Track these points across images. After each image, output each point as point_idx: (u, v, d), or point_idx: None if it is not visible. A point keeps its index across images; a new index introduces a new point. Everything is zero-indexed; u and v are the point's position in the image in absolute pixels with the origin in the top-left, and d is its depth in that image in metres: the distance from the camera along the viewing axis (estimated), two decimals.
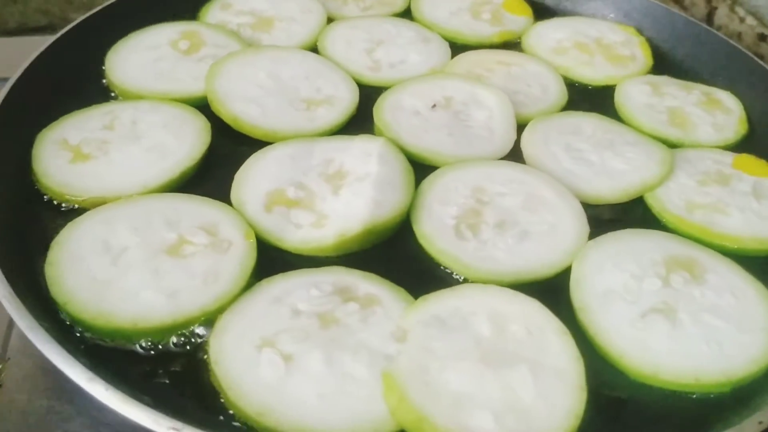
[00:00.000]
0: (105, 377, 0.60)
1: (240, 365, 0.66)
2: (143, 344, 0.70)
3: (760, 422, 0.62)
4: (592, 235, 0.84)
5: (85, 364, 0.61)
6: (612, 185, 0.91)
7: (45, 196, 0.84)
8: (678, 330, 0.73)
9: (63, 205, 0.83)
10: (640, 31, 1.25)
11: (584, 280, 0.78)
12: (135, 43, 1.08)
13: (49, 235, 0.77)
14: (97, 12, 1.09)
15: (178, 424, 0.56)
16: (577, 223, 0.85)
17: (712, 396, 0.71)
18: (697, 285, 0.78)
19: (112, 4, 1.11)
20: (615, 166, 0.94)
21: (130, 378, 0.66)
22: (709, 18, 1.58)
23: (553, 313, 0.72)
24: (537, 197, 0.87)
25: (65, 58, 1.02)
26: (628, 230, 0.85)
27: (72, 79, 1.02)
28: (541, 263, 0.80)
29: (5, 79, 0.94)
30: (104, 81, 1.03)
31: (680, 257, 0.82)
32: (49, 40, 1.01)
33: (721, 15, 1.60)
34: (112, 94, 1.02)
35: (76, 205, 0.83)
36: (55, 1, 1.64)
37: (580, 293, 0.77)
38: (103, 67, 1.04)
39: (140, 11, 1.14)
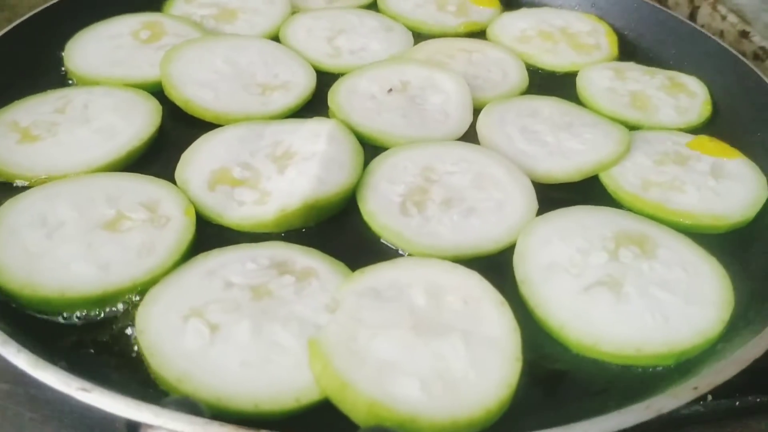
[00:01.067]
0: (22, 342, 0.59)
1: (165, 334, 0.64)
2: (74, 316, 0.68)
3: (695, 388, 0.60)
4: (543, 212, 0.82)
5: (3, 330, 0.60)
6: (565, 164, 0.90)
7: None
8: (622, 303, 0.71)
9: (14, 184, 0.83)
10: (607, 20, 1.24)
11: (528, 253, 0.76)
12: (96, 32, 1.08)
13: None
14: (60, 1, 1.10)
15: (88, 385, 0.55)
16: (525, 200, 0.83)
17: (656, 370, 0.69)
18: (647, 259, 0.77)
19: None
20: (570, 146, 0.93)
21: (53, 347, 0.65)
22: (692, 17, 1.57)
23: (496, 288, 0.70)
24: (486, 175, 0.86)
25: (25, 45, 1.03)
26: (579, 206, 0.83)
27: (31, 67, 1.02)
28: (485, 239, 0.79)
29: None
30: (63, 69, 1.03)
31: (632, 233, 0.80)
32: (8, 26, 1.02)
33: (704, 14, 1.59)
34: (71, 82, 1.02)
35: (25, 183, 0.82)
36: None
37: (523, 266, 0.75)
38: (63, 55, 1.03)
39: (106, 2, 1.14)
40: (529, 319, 0.71)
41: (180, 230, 0.75)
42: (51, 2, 1.09)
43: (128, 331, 0.67)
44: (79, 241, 0.73)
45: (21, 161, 0.84)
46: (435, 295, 0.69)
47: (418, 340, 0.64)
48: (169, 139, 0.92)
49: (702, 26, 1.47)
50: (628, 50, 1.20)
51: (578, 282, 0.73)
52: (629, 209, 0.86)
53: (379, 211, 0.80)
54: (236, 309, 0.67)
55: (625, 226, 0.81)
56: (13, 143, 0.86)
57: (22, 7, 1.65)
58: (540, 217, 0.81)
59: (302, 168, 0.83)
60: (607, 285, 0.73)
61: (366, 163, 0.87)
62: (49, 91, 0.96)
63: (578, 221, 0.81)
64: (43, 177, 0.82)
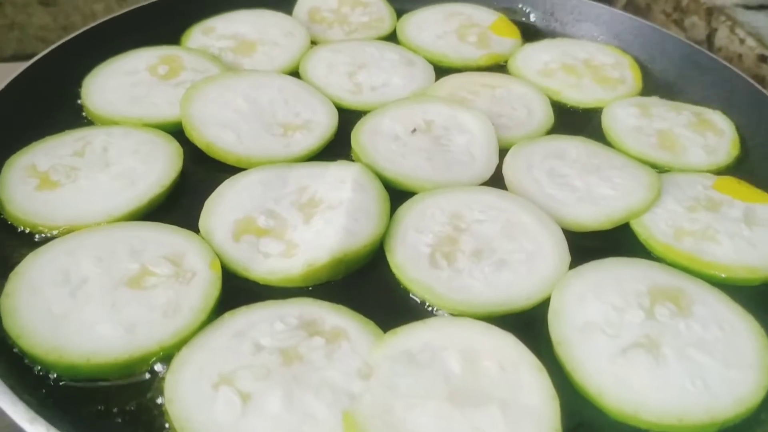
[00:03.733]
0: (50, 417, 0.57)
1: (194, 404, 0.62)
2: (100, 382, 0.67)
3: None
4: (574, 264, 0.80)
5: (29, 403, 0.58)
6: (595, 211, 0.88)
7: (11, 224, 0.82)
8: (661, 366, 0.70)
9: (34, 234, 0.81)
10: (630, 52, 1.22)
11: (563, 312, 0.74)
12: (113, 68, 1.06)
13: (12, 264, 0.75)
14: (76, 36, 1.08)
15: None
16: (557, 251, 0.81)
17: None
18: (683, 318, 0.75)
19: (92, 28, 1.10)
20: (600, 191, 0.91)
21: (81, 417, 0.63)
22: (709, 40, 1.55)
23: (530, 348, 0.69)
24: (516, 224, 0.84)
25: (41, 82, 1.01)
26: (611, 259, 0.81)
27: (47, 104, 1.01)
28: (518, 294, 0.77)
29: None
30: (80, 104, 1.01)
31: (666, 287, 0.78)
32: (25, 63, 1.00)
33: (721, 37, 1.57)
34: (88, 119, 1.00)
35: (44, 234, 0.80)
36: (53, 27, 1.64)
37: (559, 326, 0.73)
38: (80, 91, 1.02)
39: (121, 35, 1.13)
40: (565, 382, 0.69)
41: (206, 286, 0.74)
42: (66, 39, 1.07)
43: (157, 399, 0.65)
44: (103, 300, 0.71)
45: (41, 210, 0.82)
46: (471, 360, 0.67)
47: (455, 411, 0.63)
48: (191, 182, 0.90)
49: (719, 49, 1.46)
50: (652, 83, 1.18)
51: (615, 343, 0.71)
52: (662, 260, 0.84)
53: (408, 263, 0.79)
54: (267, 376, 0.65)
55: (659, 281, 0.79)
56: (32, 189, 0.84)
57: (31, 27, 1.64)
58: (573, 270, 0.79)
59: (329, 218, 0.82)
60: (644, 347, 0.71)
61: (392, 209, 0.85)
62: (67, 131, 0.94)
63: (612, 275, 0.79)
64: (64, 227, 0.80)
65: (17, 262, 0.75)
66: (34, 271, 0.73)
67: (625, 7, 2.00)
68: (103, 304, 0.70)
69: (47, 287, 0.72)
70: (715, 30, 1.57)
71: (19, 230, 0.82)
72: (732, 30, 1.47)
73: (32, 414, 0.57)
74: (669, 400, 0.67)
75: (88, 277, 0.73)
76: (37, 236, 0.81)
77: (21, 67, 1.01)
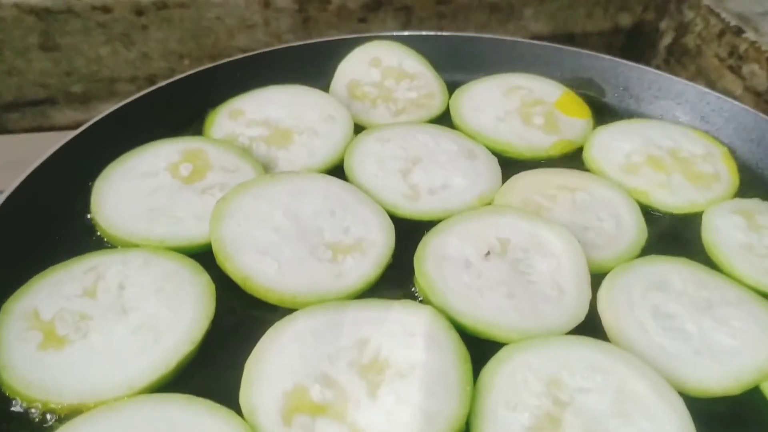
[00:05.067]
0: None
1: None
2: None
3: None
4: None
5: None
6: (719, 372, 0.72)
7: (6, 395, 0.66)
8: None
9: (30, 412, 0.66)
10: (720, 139, 1.07)
11: None
12: (127, 167, 0.91)
13: None
14: (84, 130, 0.92)
15: None
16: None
17: None
18: None
19: (102, 119, 0.94)
20: (719, 340, 0.75)
21: None
22: None
23: None
24: (628, 395, 0.68)
25: (42, 192, 0.85)
26: None
27: (49, 219, 0.85)
28: None
29: None
30: (89, 217, 0.86)
31: None
32: (23, 173, 0.84)
33: None
34: (98, 235, 0.84)
35: (47, 415, 0.65)
36: (54, 73, 1.51)
37: None
38: (88, 198, 0.86)
39: (137, 123, 0.97)
40: None
41: None
42: (73, 134, 0.90)
43: None
44: None
45: (44, 378, 0.66)
46: None
47: None
48: (223, 328, 0.75)
49: None
50: (750, 178, 1.02)
51: None
52: None
53: None
54: None
55: None
56: (34, 349, 0.69)
57: (31, 72, 1.50)
58: None
59: (400, 392, 0.66)
60: None
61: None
62: (75, 259, 0.78)
63: None
64: (75, 406, 0.64)
65: None
66: None
67: (670, 50, 1.85)
68: None
69: None
70: None
71: (14, 404, 0.66)
72: None
73: None
74: None
75: None
76: (37, 415, 0.65)
77: (19, 171, 0.85)
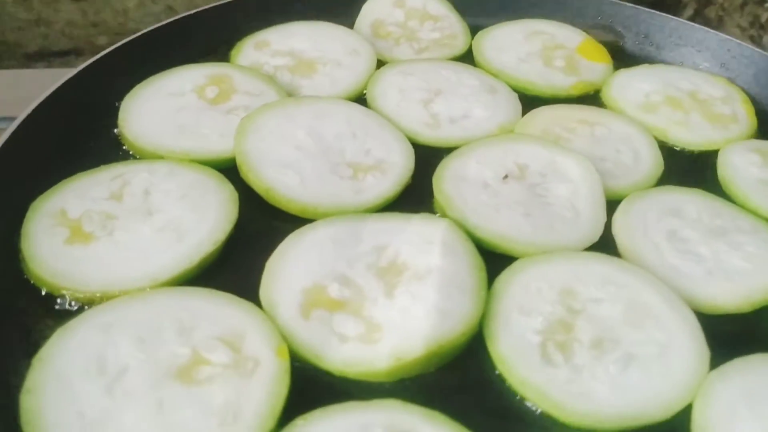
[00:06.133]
0: None
1: None
2: None
3: None
4: (714, 358, 0.66)
5: None
6: (731, 290, 0.73)
7: (34, 286, 0.69)
8: None
9: (57, 299, 0.67)
10: (740, 85, 1.07)
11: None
12: (155, 88, 0.92)
13: (35, 341, 0.62)
14: (112, 51, 0.94)
15: None
16: (693, 343, 0.67)
17: None
18: None
19: (129, 41, 0.96)
20: (732, 262, 0.76)
21: None
22: None
23: None
24: (641, 306, 0.70)
25: (73, 105, 0.87)
26: (759, 355, 0.66)
27: (79, 131, 0.87)
28: (652, 402, 0.62)
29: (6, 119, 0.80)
30: (116, 131, 0.88)
31: None
32: (54, 84, 0.86)
33: None
34: (125, 148, 0.86)
35: (73, 302, 0.67)
36: (81, 24, 1.52)
37: None
38: (117, 115, 0.88)
39: (163, 49, 0.99)
40: None
41: (272, 381, 0.60)
42: (100, 54, 0.93)
43: None
44: (147, 398, 0.57)
45: (71, 270, 0.68)
46: None
47: None
48: (247, 234, 0.76)
49: None
50: (767, 123, 1.02)
51: None
52: None
53: (515, 356, 0.64)
54: None
55: None
56: (61, 243, 0.71)
57: (58, 23, 1.52)
58: (716, 372, 0.64)
59: (416, 292, 0.68)
60: None
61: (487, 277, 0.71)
62: (102, 167, 0.80)
63: (765, 379, 0.64)
64: (100, 294, 0.66)
65: (41, 338, 0.62)
66: (62, 357, 0.60)
67: (693, 20, 1.84)
68: (148, 405, 0.57)
69: (78, 380, 0.58)
70: None
71: (43, 293, 0.68)
72: None
73: None
74: None
75: (128, 365, 0.60)
76: (65, 302, 0.67)
77: (48, 83, 0.87)
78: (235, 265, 0.73)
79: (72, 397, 0.57)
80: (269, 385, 0.60)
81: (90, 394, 0.57)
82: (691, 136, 0.96)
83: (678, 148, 0.96)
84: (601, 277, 0.72)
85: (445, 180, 0.82)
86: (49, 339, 0.61)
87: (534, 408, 0.63)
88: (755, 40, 1.58)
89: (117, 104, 0.90)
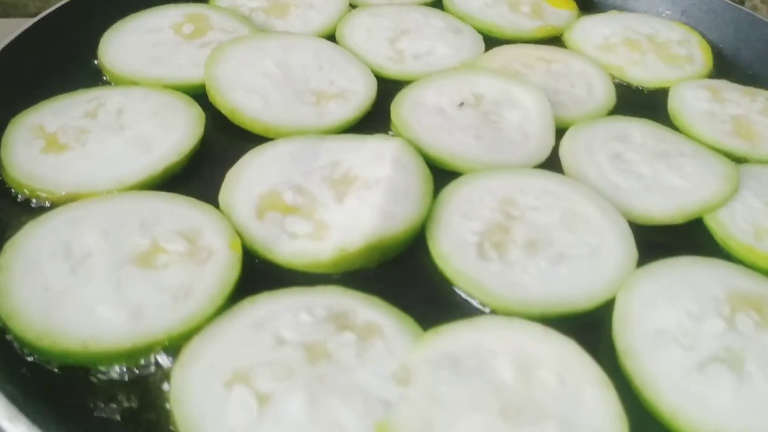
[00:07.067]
0: (33, 415, 0.49)
1: (204, 405, 0.54)
2: (96, 372, 0.58)
3: None
4: (642, 261, 0.70)
5: (10, 396, 0.50)
6: (665, 203, 0.78)
7: (12, 190, 0.74)
8: (746, 385, 0.60)
9: (32, 201, 0.73)
10: (699, 31, 1.11)
11: (631, 317, 0.65)
12: (135, 25, 0.97)
13: (9, 235, 0.67)
14: None
15: None
16: (623, 246, 0.71)
17: None
18: None
19: None
20: (670, 180, 0.80)
21: (72, 415, 0.55)
22: None
23: (592, 356, 0.59)
24: (576, 214, 0.74)
25: (56, 35, 0.93)
26: (684, 258, 0.71)
27: (61, 60, 0.92)
28: (578, 293, 0.67)
29: None
30: (96, 63, 0.93)
31: (748, 294, 0.68)
32: (40, 14, 0.91)
33: None
34: (105, 78, 0.91)
35: (46, 202, 0.72)
36: None
37: (625, 334, 0.63)
38: (97, 48, 0.93)
39: None
40: (632, 398, 0.60)
41: (223, 267, 0.65)
42: None
43: (161, 397, 0.57)
44: (107, 277, 0.63)
45: (45, 174, 0.74)
46: (524, 369, 0.58)
47: (507, 428, 0.53)
48: (212, 152, 0.81)
49: None
50: (724, 66, 1.07)
51: (691, 356, 0.62)
52: (741, 261, 0.74)
53: (453, 252, 0.69)
54: (289, 375, 0.56)
55: (740, 286, 0.69)
56: (38, 152, 0.76)
57: None
58: (641, 269, 0.69)
59: (364, 197, 0.72)
60: (725, 362, 0.61)
61: (435, 191, 0.76)
62: (80, 90, 0.86)
63: (686, 276, 0.69)
64: (70, 195, 0.72)
65: (15, 232, 0.67)
66: (32, 243, 0.65)
67: None
68: (107, 282, 0.62)
69: (45, 261, 0.63)
70: None
71: (20, 197, 0.73)
72: None
73: (13, 410, 0.49)
74: (755, 425, 0.57)
75: (92, 251, 0.65)
76: (39, 204, 0.73)
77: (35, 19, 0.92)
78: (199, 176, 0.78)
79: (39, 275, 0.62)
80: (220, 270, 0.65)
81: (55, 273, 0.62)
82: (646, 75, 1.00)
83: (634, 86, 1.00)
84: (542, 189, 0.77)
85: (403, 106, 0.87)
86: (21, 229, 0.66)
87: (467, 297, 0.67)
88: None
89: (97, 39, 0.94)
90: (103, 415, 0.56)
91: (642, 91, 1.00)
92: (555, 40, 1.08)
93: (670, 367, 0.61)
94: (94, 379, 0.58)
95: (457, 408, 0.54)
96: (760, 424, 0.57)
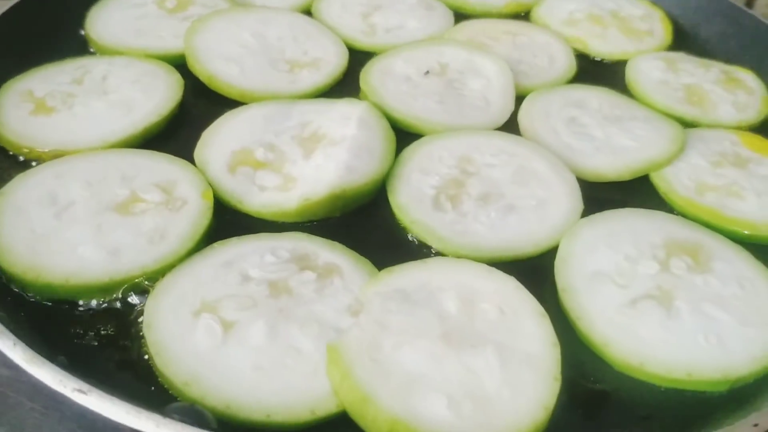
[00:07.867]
0: (19, 332, 0.54)
1: (173, 330, 0.59)
2: (78, 305, 0.64)
3: (756, 425, 0.54)
4: (589, 214, 0.76)
5: (3, 321, 0.55)
6: (614, 161, 0.83)
7: (2, 147, 0.79)
8: (673, 319, 0.65)
9: (21, 157, 0.78)
10: (661, 6, 1.16)
11: (571, 259, 0.70)
12: (119, 1, 1.02)
13: (0, 185, 0.73)
14: None
15: (85, 386, 0.50)
16: (570, 199, 0.77)
17: (707, 394, 0.63)
18: (701, 272, 0.70)
19: None
20: (620, 142, 0.86)
21: (55, 337, 0.60)
22: (749, 5, 1.48)
23: (535, 296, 0.64)
24: (528, 170, 0.80)
25: (45, 9, 0.97)
26: (627, 209, 0.77)
27: (51, 33, 0.98)
28: (525, 240, 0.72)
29: None
30: (83, 34, 0.98)
31: (684, 241, 0.73)
32: None
33: (761, 4, 1.50)
34: (91, 50, 0.97)
35: (35, 159, 0.78)
36: None
37: (565, 273, 0.69)
38: (84, 21, 0.98)
39: None
40: (569, 331, 0.65)
41: (196, 215, 0.70)
42: None
43: (136, 325, 0.62)
44: (88, 222, 0.68)
45: (33, 134, 0.79)
46: (468, 302, 0.63)
47: (448, 351, 0.59)
48: (190, 116, 0.87)
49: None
50: (682, 40, 1.12)
51: (625, 294, 0.67)
52: (682, 214, 0.79)
53: (410, 204, 0.75)
54: (252, 306, 0.62)
55: (677, 234, 0.74)
56: (27, 114, 0.82)
57: None
58: (585, 219, 0.74)
59: (330, 153, 0.78)
60: (656, 299, 0.67)
61: (398, 150, 0.81)
62: (67, 59, 0.91)
63: (627, 225, 0.74)
64: (56, 152, 0.77)
65: (4, 184, 0.72)
66: (20, 192, 0.71)
67: None
68: (88, 227, 0.68)
69: (32, 208, 0.69)
70: None
71: (10, 154, 0.79)
72: None
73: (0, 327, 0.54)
74: (679, 354, 0.63)
75: (75, 200, 0.70)
76: (28, 161, 0.78)
77: None
78: (177, 137, 0.84)
79: (26, 220, 0.68)
80: (193, 217, 0.70)
81: (41, 218, 0.68)
82: (607, 47, 1.05)
83: (596, 58, 1.05)
84: (498, 148, 0.82)
85: (372, 74, 0.92)
86: (10, 181, 0.72)
87: (422, 243, 0.73)
88: None
89: (85, 13, 1.00)
90: (82, 340, 0.61)
91: (603, 62, 1.05)
92: (524, 17, 1.13)
93: (605, 302, 0.66)
94: (76, 312, 0.63)
95: (403, 333, 0.60)
96: (682, 354, 0.63)
